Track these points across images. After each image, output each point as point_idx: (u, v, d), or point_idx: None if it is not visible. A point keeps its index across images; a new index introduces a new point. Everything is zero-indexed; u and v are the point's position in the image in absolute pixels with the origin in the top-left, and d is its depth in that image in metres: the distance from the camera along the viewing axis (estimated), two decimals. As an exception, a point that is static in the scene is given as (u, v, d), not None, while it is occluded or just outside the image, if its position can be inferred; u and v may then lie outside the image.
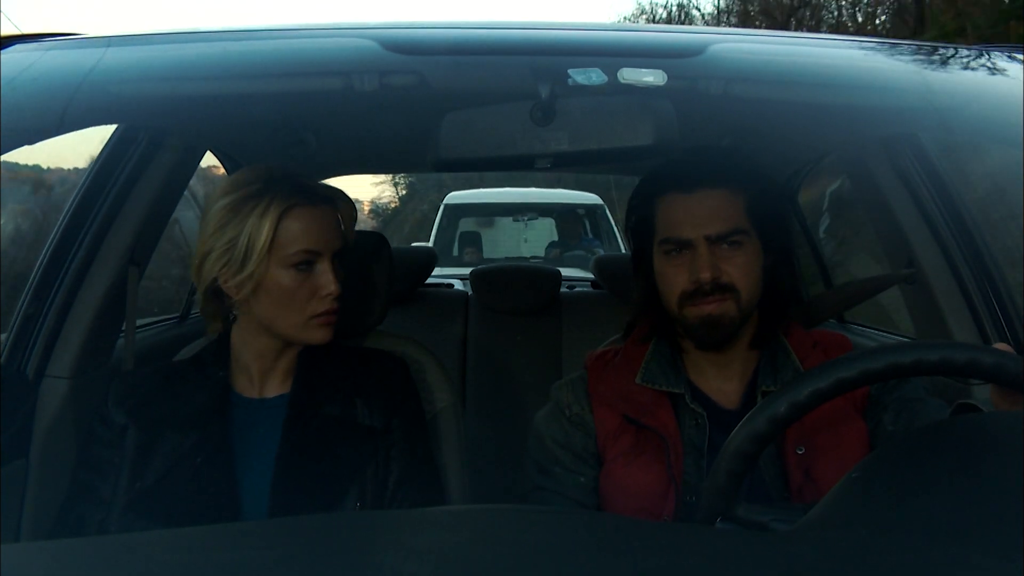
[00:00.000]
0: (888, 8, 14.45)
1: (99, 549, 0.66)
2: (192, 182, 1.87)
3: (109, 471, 1.21)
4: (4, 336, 1.53)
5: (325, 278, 1.21)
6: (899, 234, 1.67)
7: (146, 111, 1.52)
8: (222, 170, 2.17)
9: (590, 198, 5.74)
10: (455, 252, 5.25)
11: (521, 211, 5.57)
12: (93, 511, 1.20)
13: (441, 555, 0.59)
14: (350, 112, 1.65)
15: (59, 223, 1.59)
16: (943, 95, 1.27)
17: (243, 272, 1.19)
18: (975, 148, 1.97)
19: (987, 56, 1.34)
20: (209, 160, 2.03)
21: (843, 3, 15.44)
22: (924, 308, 1.69)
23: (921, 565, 0.58)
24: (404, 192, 18.53)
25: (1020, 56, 1.30)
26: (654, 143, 1.05)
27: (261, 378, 1.26)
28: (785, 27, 13.80)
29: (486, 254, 5.21)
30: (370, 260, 1.45)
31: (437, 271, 3.25)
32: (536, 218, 5.60)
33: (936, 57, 1.38)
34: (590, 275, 2.91)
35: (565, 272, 2.93)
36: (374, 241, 1.49)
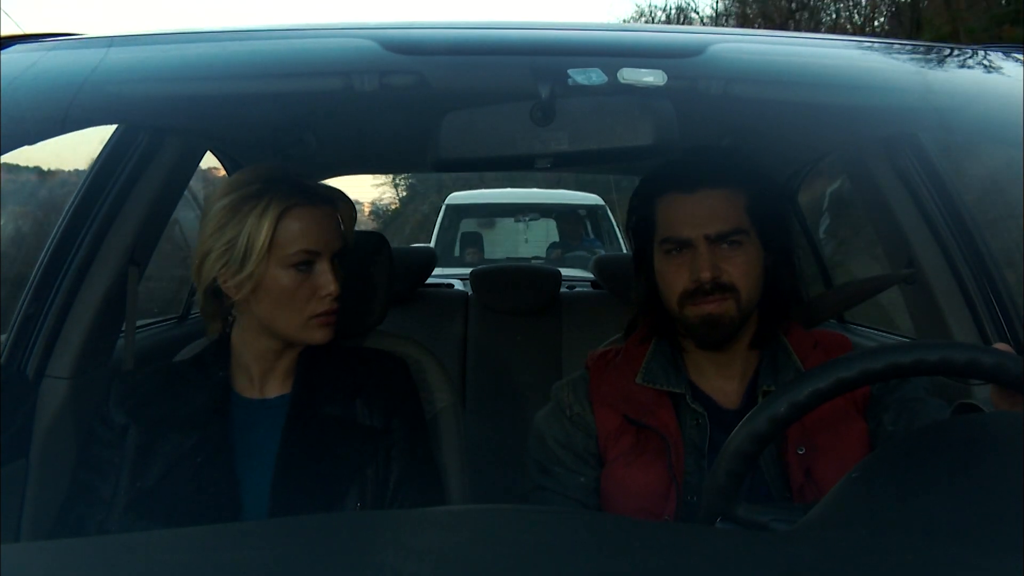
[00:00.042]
0: (885, 12, 14.49)
1: (99, 549, 0.66)
2: (192, 182, 1.87)
3: (109, 471, 1.21)
4: (4, 336, 1.53)
5: (325, 278, 1.21)
6: (899, 234, 1.67)
7: (146, 111, 1.52)
8: (222, 170, 2.17)
9: (591, 199, 5.74)
10: (456, 252, 5.25)
11: (523, 211, 5.56)
12: (93, 511, 1.20)
13: (441, 555, 0.59)
14: (350, 112, 1.65)
15: (59, 223, 1.59)
16: (943, 95, 1.27)
17: (243, 272, 1.19)
18: (975, 148, 1.97)
19: (987, 56, 1.34)
20: (209, 160, 2.03)
21: (841, 5, 15.47)
22: (924, 308, 1.69)
23: (921, 565, 0.58)
24: (404, 193, 18.53)
25: (1020, 56, 1.30)
26: (654, 143, 1.05)
27: (261, 378, 1.26)
28: (783, 29, 13.83)
29: (487, 254, 5.21)
30: (370, 260, 1.45)
31: (439, 271, 3.25)
32: (537, 218, 5.60)
33: (936, 57, 1.38)
34: (590, 275, 2.91)
35: (565, 272, 2.93)
36: (374, 241, 1.49)
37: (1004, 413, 0.89)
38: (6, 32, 1.52)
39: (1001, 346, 0.91)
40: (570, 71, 1.05)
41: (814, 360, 1.23)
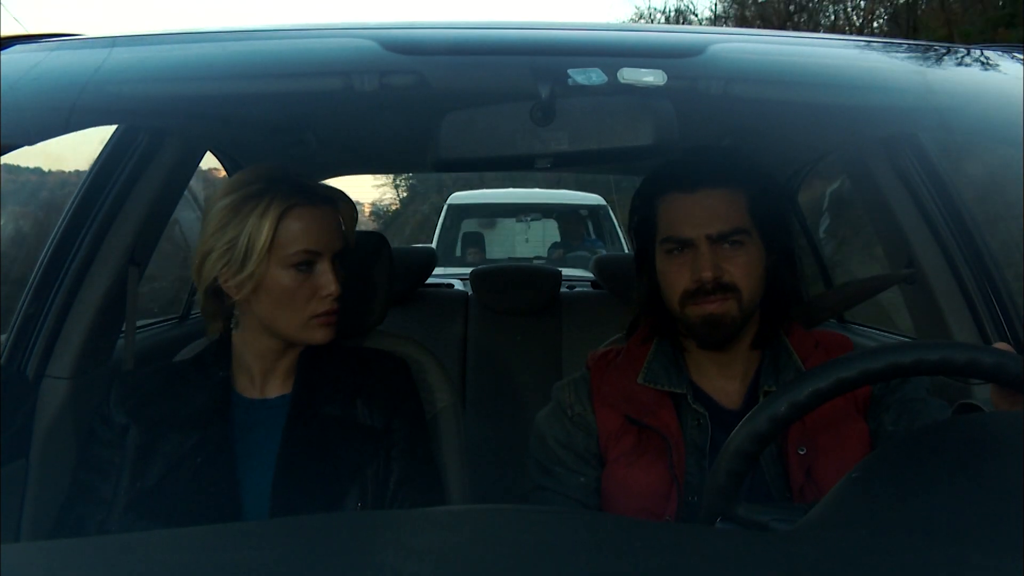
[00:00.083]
0: (883, 14, 14.55)
1: (99, 549, 0.66)
2: (192, 182, 1.87)
3: (110, 471, 1.21)
4: (4, 336, 1.53)
5: (325, 278, 1.21)
6: (899, 234, 1.67)
7: (146, 111, 1.52)
8: (222, 171, 2.17)
9: (593, 199, 5.74)
10: (458, 252, 5.26)
11: (524, 211, 5.56)
12: (93, 511, 1.20)
13: (441, 555, 0.59)
14: (350, 112, 1.65)
15: (59, 223, 1.59)
16: (943, 95, 1.27)
17: (243, 272, 1.19)
18: (975, 148, 1.97)
19: (987, 56, 1.34)
20: (209, 160, 2.03)
21: (839, 8, 15.51)
22: (924, 308, 1.69)
23: (921, 565, 0.58)
24: (405, 194, 18.54)
25: (1020, 56, 1.30)
26: (654, 143, 1.05)
27: (262, 378, 1.26)
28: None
29: (489, 254, 5.21)
30: (370, 260, 1.45)
31: (441, 271, 3.25)
32: (539, 218, 5.60)
33: (936, 57, 1.38)
34: (591, 275, 2.91)
35: (567, 272, 2.93)
36: (374, 241, 1.49)
37: (1004, 413, 0.89)
38: (9, 32, 1.52)
39: (1001, 346, 0.91)
40: (570, 71, 1.05)
41: (815, 360, 1.23)
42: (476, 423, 2.37)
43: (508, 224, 5.74)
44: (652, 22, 17.46)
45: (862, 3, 15.04)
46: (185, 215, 2.02)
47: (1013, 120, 1.11)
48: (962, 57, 1.37)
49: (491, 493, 1.80)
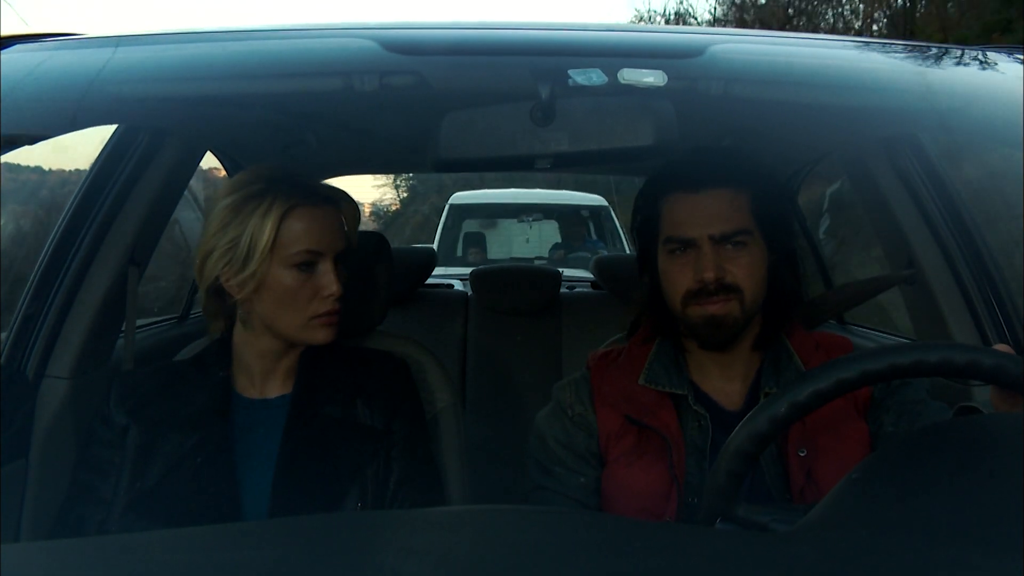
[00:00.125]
0: (881, 18, 14.60)
1: (99, 549, 0.66)
2: (192, 182, 1.87)
3: (110, 471, 1.21)
4: (4, 336, 1.53)
5: (327, 279, 1.21)
6: (899, 234, 1.67)
7: (147, 111, 1.52)
8: (222, 171, 2.17)
9: (595, 199, 5.74)
10: (459, 252, 5.26)
11: (526, 212, 5.56)
12: (93, 511, 1.20)
13: (441, 555, 0.59)
14: (350, 112, 1.65)
15: (59, 223, 1.59)
16: (943, 95, 1.27)
17: (245, 271, 1.19)
18: (975, 148, 1.97)
19: (987, 56, 1.34)
20: (209, 161, 2.03)
21: (839, 11, 15.55)
22: (924, 309, 1.69)
23: (921, 565, 0.58)
24: (405, 195, 18.56)
25: (1020, 56, 1.30)
26: (654, 144, 1.05)
27: (263, 378, 1.26)
28: (782, 33, 13.88)
29: (490, 254, 5.21)
30: (370, 260, 1.45)
31: (442, 271, 3.24)
32: (540, 219, 5.60)
33: (936, 57, 1.38)
34: (592, 276, 2.91)
35: (568, 273, 2.93)
36: (374, 241, 1.49)
37: (1004, 414, 0.89)
38: (10, 31, 1.52)
39: (1001, 347, 0.91)
40: (570, 71, 1.05)
41: (816, 362, 1.23)
42: (476, 423, 2.37)
43: (510, 224, 5.74)
44: (652, 24, 17.48)
45: (861, 7, 15.11)
46: (185, 215, 2.02)
47: (1013, 120, 1.11)
48: (962, 57, 1.37)
49: (491, 493, 1.80)
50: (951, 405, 0.97)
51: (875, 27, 14.74)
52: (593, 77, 1.04)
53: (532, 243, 5.47)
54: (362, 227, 1.35)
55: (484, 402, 2.49)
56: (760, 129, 1.72)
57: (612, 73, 1.06)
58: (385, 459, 1.24)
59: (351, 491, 1.20)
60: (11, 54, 1.21)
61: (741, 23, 16.31)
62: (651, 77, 1.09)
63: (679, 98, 1.13)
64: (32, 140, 1.19)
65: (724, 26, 16.71)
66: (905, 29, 12.51)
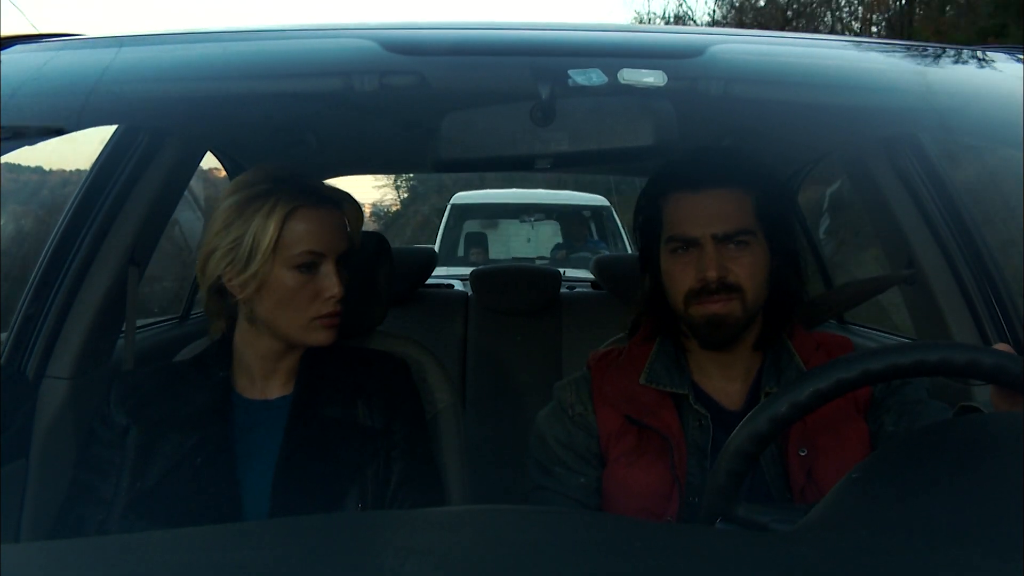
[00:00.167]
0: (880, 21, 14.65)
1: (99, 549, 0.66)
2: (192, 182, 1.87)
3: (110, 471, 1.21)
4: (4, 336, 1.53)
5: (329, 280, 1.21)
6: (899, 234, 1.67)
7: (147, 111, 1.52)
8: (222, 171, 2.17)
9: (597, 200, 5.73)
10: (461, 252, 5.26)
11: (527, 212, 5.56)
12: (93, 511, 1.20)
13: (441, 555, 0.59)
14: (351, 112, 1.65)
15: (59, 223, 1.59)
16: (943, 95, 1.27)
17: (247, 271, 1.19)
18: (975, 148, 1.97)
19: (987, 56, 1.34)
20: (209, 160, 2.03)
21: (838, 15, 15.58)
22: (924, 308, 1.69)
23: (921, 565, 0.58)
24: (406, 195, 18.58)
25: (1020, 56, 1.30)
26: (654, 144, 1.05)
27: (263, 379, 1.26)
28: (781, 36, 13.92)
29: (492, 255, 5.21)
30: (371, 261, 1.45)
31: (444, 271, 3.24)
32: (542, 219, 5.60)
33: (936, 57, 1.38)
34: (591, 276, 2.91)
35: (570, 273, 2.92)
36: (374, 242, 1.49)
37: (1004, 414, 0.89)
38: (11, 31, 1.52)
39: (1001, 346, 0.91)
40: (570, 72, 1.05)
41: (816, 362, 1.23)
42: (476, 423, 2.37)
43: (511, 225, 5.74)
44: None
45: (859, 12, 15.16)
46: (185, 215, 2.02)
47: (1013, 120, 1.11)
48: (962, 57, 1.37)
49: (491, 493, 1.80)
50: (951, 405, 0.97)
51: (874, 29, 14.79)
52: (593, 77, 1.04)
53: (533, 243, 5.47)
54: (363, 228, 1.35)
55: (484, 402, 2.49)
56: (760, 129, 1.72)
57: (612, 73, 1.06)
58: (385, 459, 1.24)
59: (351, 491, 1.20)
60: (11, 54, 1.21)
61: (740, 25, 16.33)
62: (651, 77, 1.09)
63: (679, 98, 1.13)
64: (34, 140, 1.19)
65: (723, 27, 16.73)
66: (903, 33, 12.58)
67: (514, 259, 4.92)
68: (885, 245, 1.78)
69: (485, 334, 2.60)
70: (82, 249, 1.57)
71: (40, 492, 1.44)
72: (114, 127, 1.59)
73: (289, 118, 1.71)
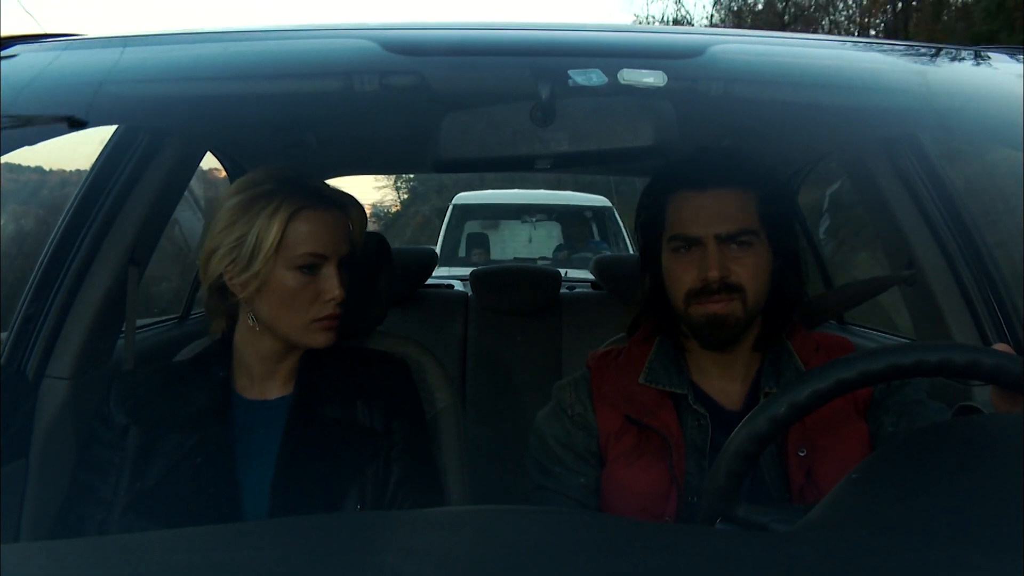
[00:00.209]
0: (876, 24, 14.70)
1: (99, 549, 0.66)
2: (192, 182, 1.87)
3: (110, 471, 1.21)
4: (4, 336, 1.53)
5: (330, 283, 1.21)
6: (899, 234, 1.67)
7: (146, 111, 1.52)
8: (222, 171, 2.16)
9: (598, 200, 5.73)
10: (462, 252, 5.26)
11: (529, 212, 5.56)
12: (93, 511, 1.20)
13: (441, 555, 0.59)
14: (350, 113, 1.65)
15: (59, 223, 1.59)
16: (943, 95, 1.27)
17: (249, 270, 1.19)
18: (975, 148, 1.97)
19: (987, 56, 1.34)
20: (209, 160, 2.03)
21: (835, 19, 15.61)
22: (924, 309, 1.69)
23: (921, 565, 0.58)
24: (406, 196, 18.60)
25: (1020, 56, 1.30)
26: (654, 144, 1.05)
27: (263, 379, 1.26)
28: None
29: (493, 255, 5.20)
30: (371, 261, 1.45)
31: (445, 271, 3.24)
32: (544, 220, 5.60)
33: (936, 57, 1.38)
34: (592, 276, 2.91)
35: (572, 274, 2.92)
36: (375, 242, 1.49)
37: (1004, 414, 0.89)
38: (11, 31, 1.52)
39: (1001, 347, 0.91)
40: (570, 72, 1.05)
41: (816, 362, 1.23)
42: (476, 423, 2.37)
43: (513, 225, 5.74)
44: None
45: (856, 17, 15.20)
46: (185, 215, 2.01)
47: (1013, 120, 1.11)
48: (962, 58, 1.37)
49: (491, 493, 1.80)
50: (951, 405, 0.97)
51: (872, 32, 14.84)
52: (593, 77, 1.04)
53: (535, 243, 5.47)
54: (365, 230, 1.35)
55: (484, 402, 2.49)
56: (760, 129, 1.72)
57: (612, 73, 1.06)
58: (385, 459, 1.24)
59: (351, 491, 1.20)
60: (11, 54, 1.21)
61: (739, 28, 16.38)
62: (651, 77, 1.09)
63: (679, 98, 1.13)
64: (34, 140, 1.19)
65: (722, 31, 16.74)
66: (899, 38, 12.67)
67: (515, 259, 4.92)
68: (885, 245, 1.78)
69: (485, 334, 2.60)
70: (82, 249, 1.57)
71: (40, 492, 1.44)
72: (114, 127, 1.59)
73: (289, 118, 1.71)
